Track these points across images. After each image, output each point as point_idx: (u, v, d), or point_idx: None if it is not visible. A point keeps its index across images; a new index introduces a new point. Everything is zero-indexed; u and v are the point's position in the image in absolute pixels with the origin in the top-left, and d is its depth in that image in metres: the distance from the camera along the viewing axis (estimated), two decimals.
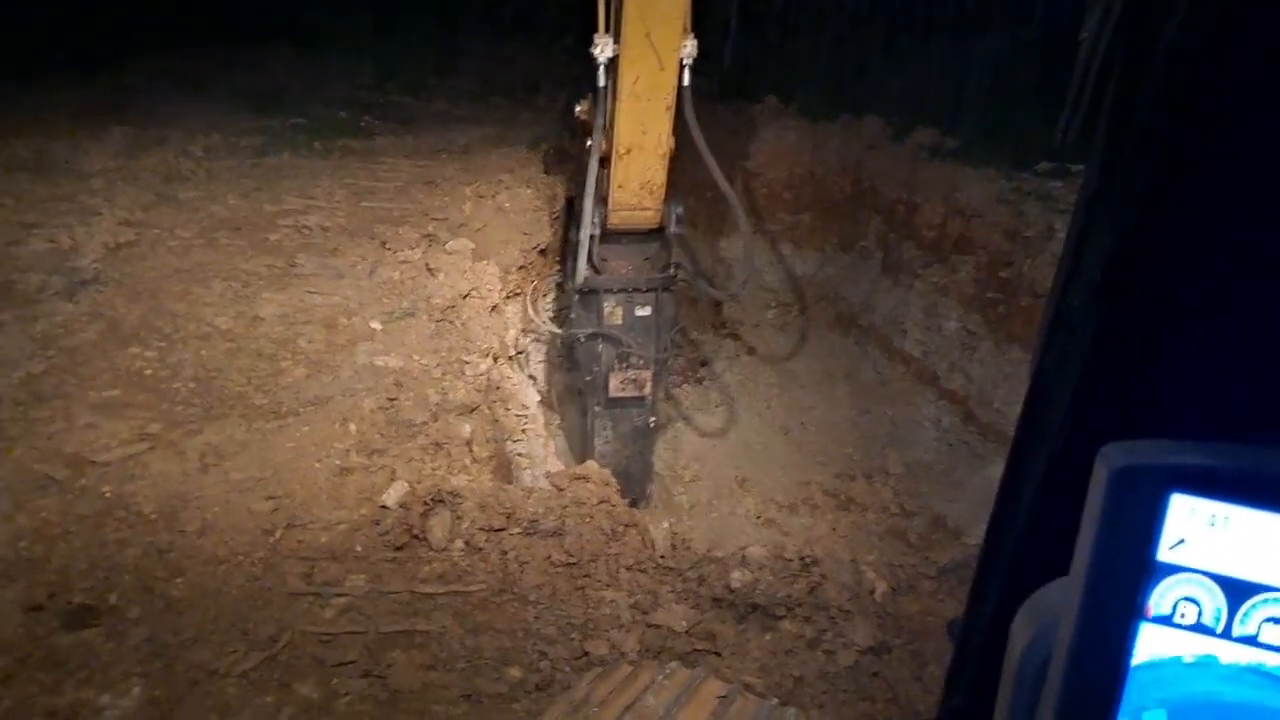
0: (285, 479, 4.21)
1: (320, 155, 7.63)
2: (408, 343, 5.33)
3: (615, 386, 6.18)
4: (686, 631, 3.65)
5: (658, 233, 6.09)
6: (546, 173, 7.79)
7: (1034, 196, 7.12)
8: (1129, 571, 0.70)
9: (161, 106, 8.25)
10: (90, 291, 5.45)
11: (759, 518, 7.30)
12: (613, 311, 6.09)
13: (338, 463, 4.36)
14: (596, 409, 6.31)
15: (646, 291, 6.10)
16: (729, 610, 3.80)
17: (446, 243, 6.32)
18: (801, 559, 4.02)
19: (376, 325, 5.44)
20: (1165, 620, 0.70)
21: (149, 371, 4.85)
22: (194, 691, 3.22)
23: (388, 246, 6.22)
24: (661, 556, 4.01)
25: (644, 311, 6.12)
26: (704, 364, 8.76)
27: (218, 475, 4.20)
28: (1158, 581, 0.70)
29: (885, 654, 3.74)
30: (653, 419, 6.52)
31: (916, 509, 7.27)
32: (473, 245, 6.37)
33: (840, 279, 8.63)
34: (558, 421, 7.27)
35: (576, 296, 6.18)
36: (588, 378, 6.31)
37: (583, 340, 6.21)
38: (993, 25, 8.63)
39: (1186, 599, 0.70)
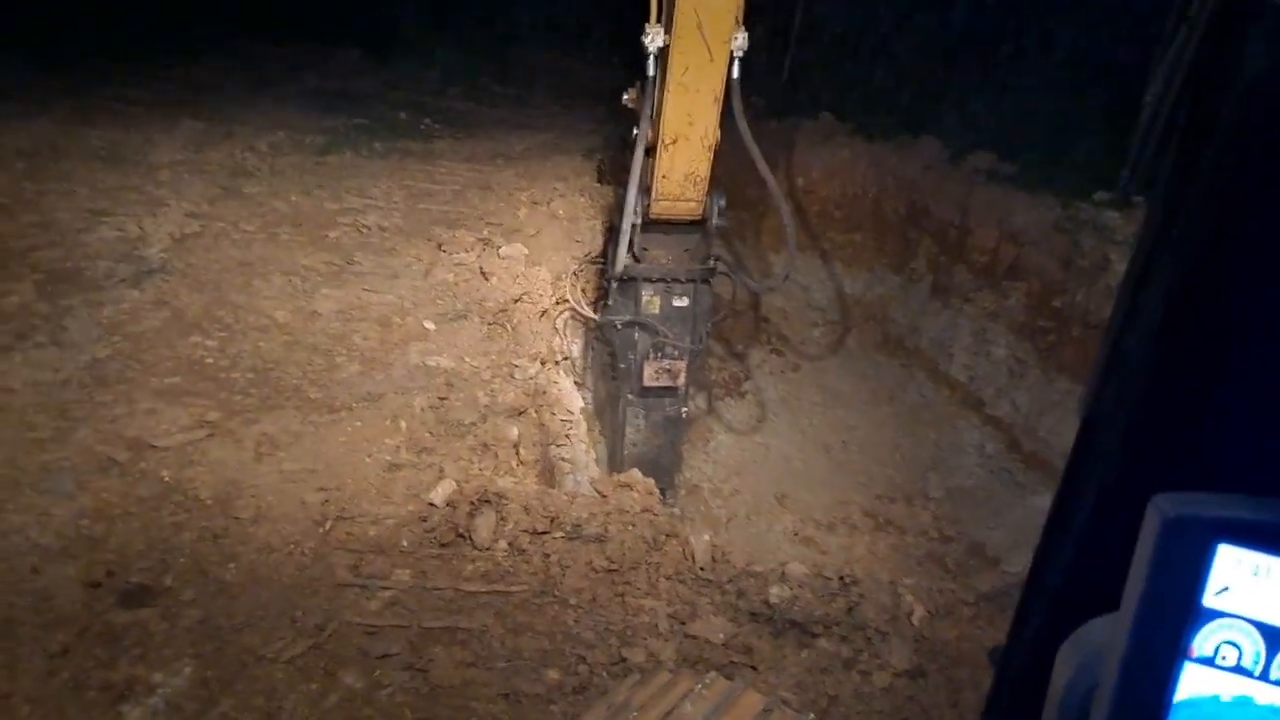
0: (337, 472, 4.31)
1: (381, 156, 7.78)
2: (459, 344, 5.43)
3: (649, 375, 6.22)
4: (724, 644, 3.68)
5: (699, 224, 6.12)
6: (600, 181, 7.89)
7: (1090, 226, 7.07)
8: (1175, 614, 0.75)
9: (230, 103, 8.46)
10: (156, 280, 5.61)
11: (796, 535, 7.30)
12: (650, 300, 6.15)
13: (388, 458, 4.45)
14: (630, 397, 6.37)
15: (685, 282, 6.15)
16: (766, 625, 3.83)
17: (500, 247, 6.42)
18: (840, 578, 4.04)
19: (430, 325, 5.54)
20: (1207, 661, 0.75)
21: (209, 360, 4.99)
22: (242, 675, 3.31)
23: (443, 248, 6.34)
24: (701, 568, 4.04)
25: (681, 302, 6.17)
26: (747, 378, 8.79)
27: (272, 465, 4.31)
28: (1202, 625, 0.74)
29: (920, 678, 3.75)
30: (685, 410, 6.56)
31: (955, 535, 7.24)
32: (526, 250, 6.47)
33: (889, 299, 8.61)
34: (599, 428, 7.33)
35: (615, 284, 6.24)
36: (622, 365, 6.37)
37: (619, 327, 6.28)
38: (1055, 52, 8.59)
39: (1228, 642, 0.75)
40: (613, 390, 6.89)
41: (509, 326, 5.69)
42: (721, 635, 3.70)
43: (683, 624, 3.74)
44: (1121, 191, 7.14)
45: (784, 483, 7.74)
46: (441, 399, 4.91)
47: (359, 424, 4.66)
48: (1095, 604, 0.85)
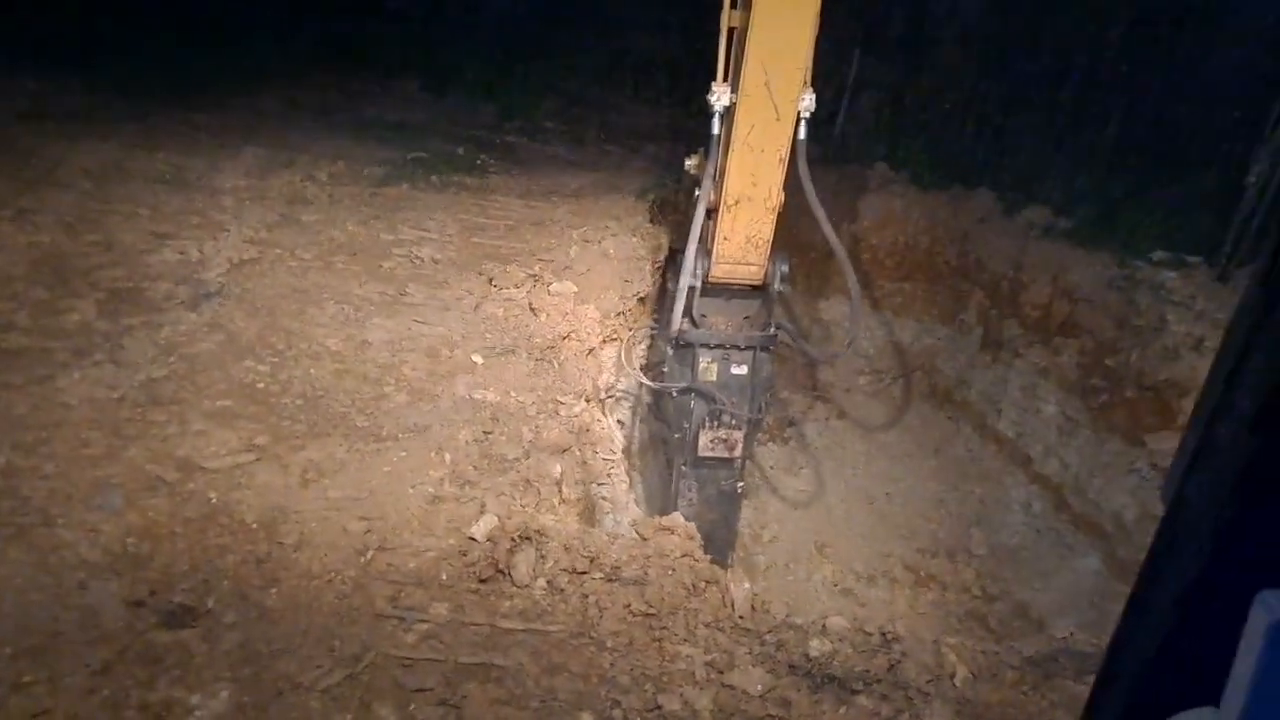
0: (380, 502, 4.33)
1: (437, 189, 7.88)
2: (506, 379, 5.45)
3: (704, 445, 5.99)
4: (761, 695, 3.62)
5: (760, 290, 5.97)
6: (652, 222, 7.92)
7: (1147, 285, 6.98)
8: None
9: (292, 131, 8.65)
10: (213, 304, 5.71)
11: (836, 585, 7.21)
12: (708, 367, 5.93)
13: (431, 490, 4.46)
14: (683, 467, 6.12)
15: (744, 349, 5.94)
16: (805, 679, 3.76)
17: (551, 284, 6.46)
18: (882, 634, 3.97)
19: (478, 359, 5.57)
20: None
21: (261, 385, 5.05)
22: (279, 701, 3.31)
23: (494, 283, 6.39)
24: (741, 617, 3.99)
25: (740, 370, 5.94)
26: (791, 424, 8.73)
27: (317, 492, 4.34)
28: None
29: None
30: (740, 484, 6.29)
31: (998, 594, 7.10)
32: (575, 288, 6.50)
33: (938, 351, 8.55)
34: (639, 468, 7.31)
35: (671, 349, 6.07)
36: (676, 434, 6.14)
37: (674, 394, 6.09)
38: (1114, 109, 8.53)
39: None
40: (657, 432, 6.84)
41: (555, 363, 5.71)
42: (759, 686, 3.64)
43: (720, 673, 3.69)
44: (1221, 270, 6.98)
45: (824, 532, 7.67)
46: (486, 433, 4.93)
47: (404, 454, 4.68)
48: (1179, 695, 0.82)
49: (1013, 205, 8.19)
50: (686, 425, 6.05)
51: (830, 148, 8.75)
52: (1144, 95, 8.32)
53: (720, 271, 5.82)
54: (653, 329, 7.37)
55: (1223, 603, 0.73)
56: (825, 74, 5.48)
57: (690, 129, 9.01)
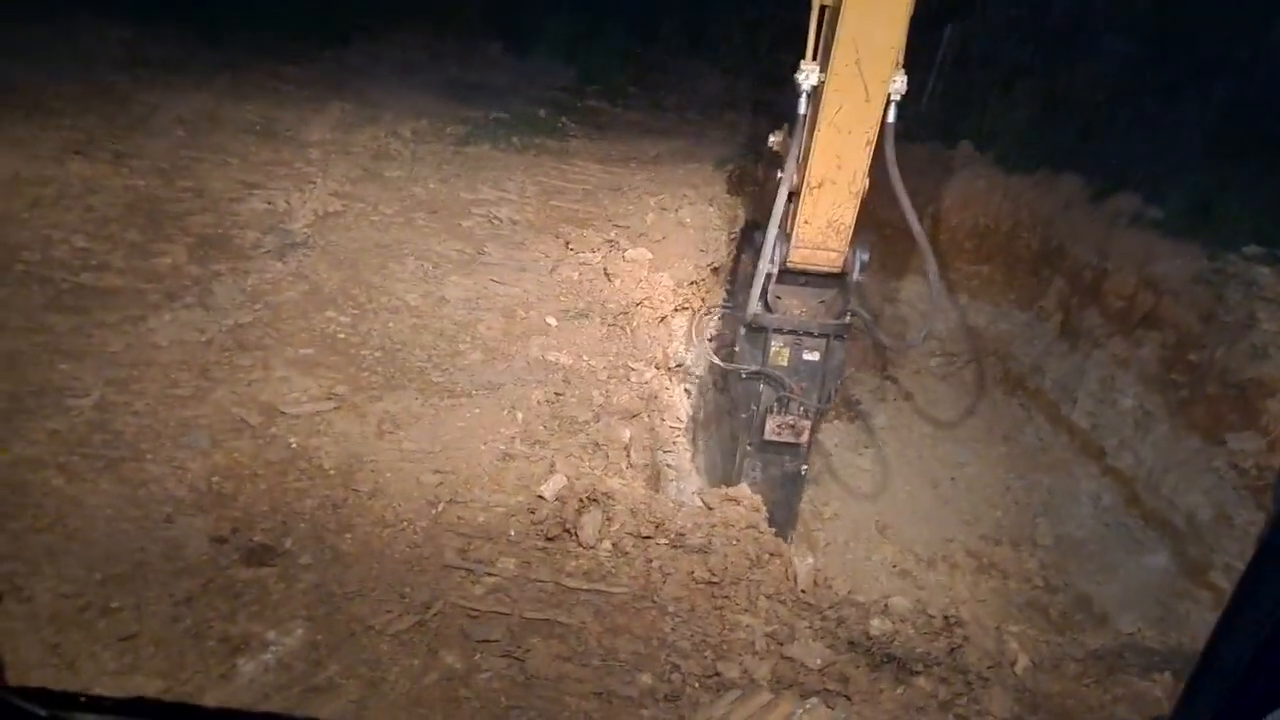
0: (452, 456, 4.42)
1: (517, 151, 7.93)
2: (579, 342, 5.50)
3: (771, 429, 5.90)
4: (820, 670, 3.64)
5: (838, 277, 5.83)
6: (729, 193, 7.88)
7: (1237, 280, 6.76)
8: None
9: (378, 88, 8.76)
10: (298, 254, 5.85)
11: (895, 567, 7.17)
12: (779, 352, 5.83)
13: (502, 448, 4.54)
14: (748, 449, 6.06)
15: (818, 336, 5.82)
16: (864, 656, 3.77)
17: (626, 250, 6.48)
18: (945, 618, 3.95)
19: (552, 321, 5.63)
20: None
21: (341, 336, 5.17)
22: (350, 642, 3.42)
23: (570, 246, 6.43)
24: (803, 591, 4.01)
25: (812, 356, 5.82)
26: (858, 402, 8.67)
27: (392, 442, 4.44)
28: None
29: None
30: (805, 467, 6.22)
31: (1061, 585, 7.00)
32: (650, 255, 6.51)
33: (1013, 337, 8.39)
34: (704, 439, 7.32)
35: (743, 330, 5.97)
36: (744, 415, 6.07)
37: (744, 376, 6.02)
38: (1212, 99, 8.25)
39: None
40: (723, 404, 6.83)
41: (628, 329, 5.74)
42: (819, 660, 3.66)
43: (780, 644, 3.71)
44: None
45: (886, 513, 7.61)
46: (558, 394, 4.99)
47: (477, 411, 4.76)
48: (1275, 694, 0.82)
49: (1101, 191, 7.97)
50: (755, 408, 5.98)
51: (914, 124, 8.58)
52: (1246, 80, 8.02)
53: (799, 256, 5.70)
54: (725, 305, 7.33)
55: None
56: (914, 47, 5.35)
57: (770, 100, 8.93)
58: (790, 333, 5.82)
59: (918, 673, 3.70)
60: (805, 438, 6.00)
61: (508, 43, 10.57)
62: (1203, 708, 0.98)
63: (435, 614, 3.61)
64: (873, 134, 5.22)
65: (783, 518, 6.18)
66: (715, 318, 7.43)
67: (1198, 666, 1.02)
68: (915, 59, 5.10)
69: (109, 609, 3.41)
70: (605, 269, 6.22)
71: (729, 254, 7.38)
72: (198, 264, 5.60)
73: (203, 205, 6.24)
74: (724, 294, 7.48)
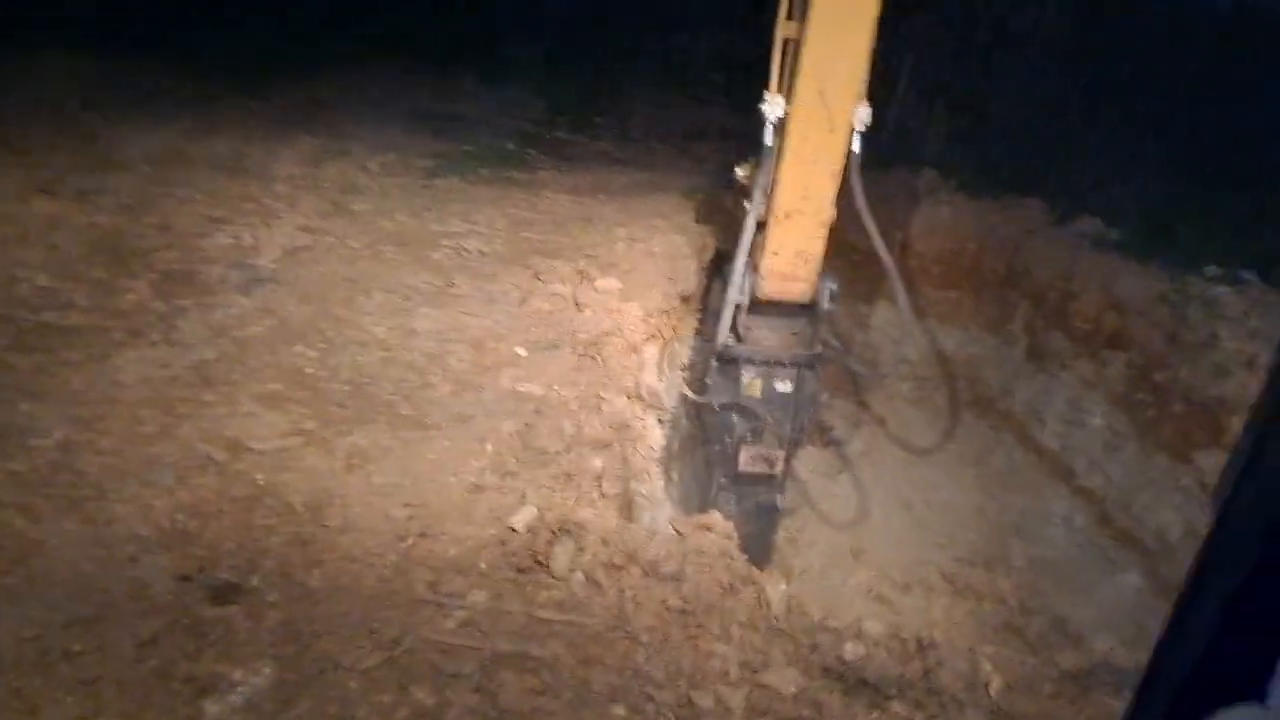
0: (422, 489, 4.39)
1: (486, 183, 7.96)
2: (549, 373, 5.49)
3: (745, 461, 5.94)
4: (794, 696, 3.62)
5: (808, 307, 5.86)
6: (698, 222, 7.92)
7: (1199, 300, 6.86)
8: None
9: (348, 120, 8.78)
10: (265, 289, 5.82)
11: (871, 592, 7.17)
12: (751, 383, 5.86)
13: (472, 480, 4.51)
14: (722, 481, 6.09)
15: (790, 367, 5.86)
16: (838, 682, 3.76)
17: (596, 280, 6.49)
18: (918, 640, 3.95)
19: (522, 352, 5.62)
20: None
21: (309, 370, 5.14)
22: (319, 680, 3.37)
23: (540, 277, 6.44)
24: (776, 618, 4.00)
25: (784, 387, 5.86)
26: (830, 427, 8.70)
27: (361, 477, 4.41)
28: None
29: None
30: (780, 498, 6.25)
31: (1036, 607, 7.02)
32: (620, 285, 6.52)
33: (982, 360, 8.46)
34: (677, 467, 7.31)
35: (715, 362, 5.98)
36: (716, 447, 6.10)
37: (716, 408, 6.03)
38: (1171, 122, 8.41)
39: None
40: (695, 432, 6.83)
41: (599, 359, 5.74)
42: (793, 687, 3.64)
43: (754, 672, 3.70)
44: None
45: (862, 538, 7.63)
46: (528, 425, 4.97)
47: (447, 443, 4.74)
48: (1221, 694, 0.83)
49: (1064, 215, 8.09)
50: (727, 439, 5.99)
51: (879, 152, 8.68)
52: (1203, 105, 8.19)
53: (768, 287, 5.74)
54: (696, 335, 7.36)
55: (1269, 604, 0.74)
56: (878, 76, 5.43)
57: (738, 129, 9.01)
58: (762, 363, 5.84)
59: (892, 696, 3.70)
60: (780, 469, 6.01)
61: (478, 74, 10.64)
62: (1153, 716, 1.00)
63: (405, 649, 3.57)
64: (839, 165, 5.27)
65: (758, 550, 6.16)
66: (687, 348, 7.45)
67: (1147, 669, 1.03)
68: (879, 87, 5.17)
69: (71, 652, 3.34)
70: (575, 299, 6.23)
71: (699, 283, 7.41)
72: (163, 300, 5.56)
73: (168, 241, 6.20)
74: (695, 323, 7.51)
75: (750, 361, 5.86)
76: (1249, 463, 0.92)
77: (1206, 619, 0.94)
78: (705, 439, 6.46)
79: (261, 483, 4.26)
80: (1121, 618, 6.40)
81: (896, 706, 3.70)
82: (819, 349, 5.93)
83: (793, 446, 6.17)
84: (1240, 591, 0.90)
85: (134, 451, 4.34)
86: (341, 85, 9.69)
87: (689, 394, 6.49)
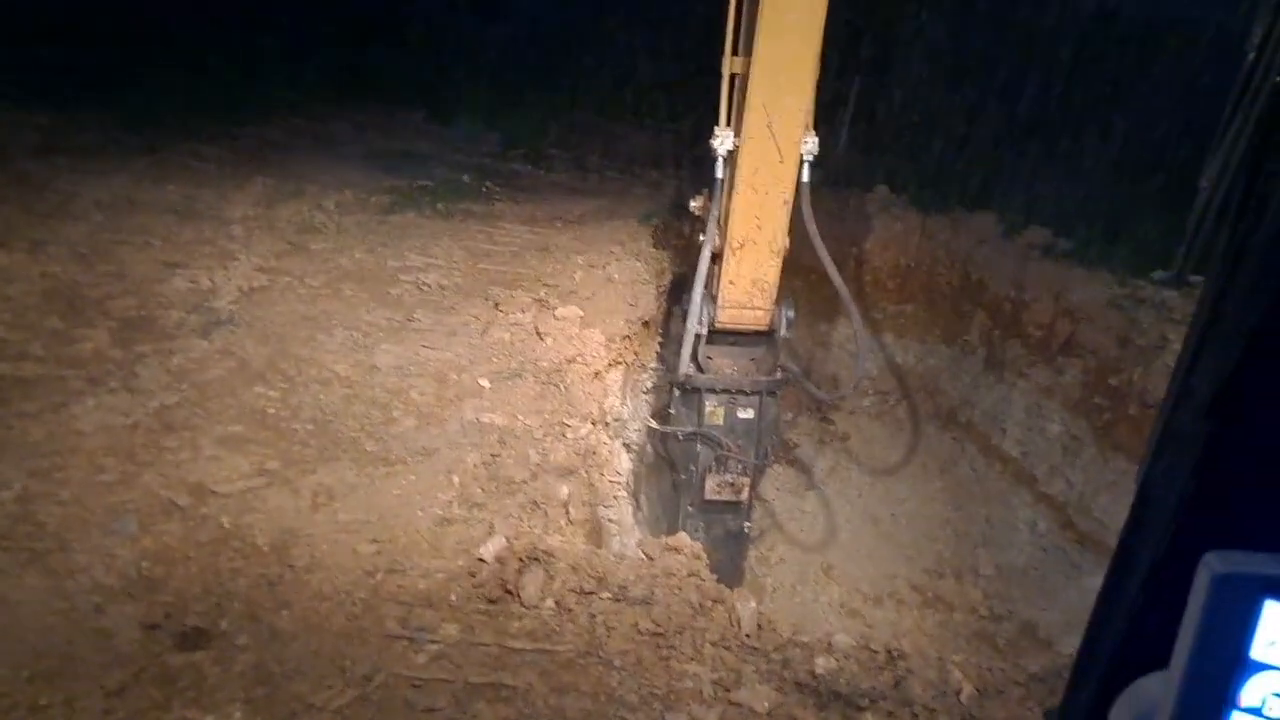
0: (389, 524, 4.38)
1: (443, 217, 7.98)
2: (513, 402, 5.51)
3: (711, 489, 6.01)
4: (768, 713, 3.64)
5: (766, 334, 5.98)
6: (655, 247, 8.00)
7: (1148, 305, 7.03)
8: (1225, 666, 0.79)
9: (300, 161, 8.77)
10: (224, 331, 5.79)
11: (843, 607, 7.22)
12: (714, 411, 5.95)
13: (439, 513, 4.51)
14: (689, 509, 6.15)
15: (750, 394, 5.95)
16: (811, 696, 3.79)
17: (556, 308, 6.52)
18: (888, 651, 4.00)
19: (485, 383, 5.64)
20: (1256, 712, 0.80)
21: (271, 411, 5.12)
22: None
23: (500, 308, 6.46)
24: (747, 635, 4.03)
25: (746, 414, 5.96)
26: (795, 445, 8.77)
27: (328, 515, 4.39)
28: (1250, 676, 0.79)
29: None
30: (748, 524, 6.31)
31: (1006, 613, 7.11)
32: (581, 312, 6.56)
33: (941, 372, 8.58)
34: (644, 492, 7.33)
35: (677, 392, 6.08)
36: (683, 476, 6.17)
37: (680, 438, 6.12)
38: (1114, 134, 8.63)
39: (1275, 694, 0.79)
40: (662, 456, 6.87)
41: (562, 386, 5.76)
42: (766, 704, 3.67)
43: (727, 690, 3.72)
44: (1177, 273, 7.14)
45: (831, 554, 7.68)
46: (494, 455, 4.98)
47: (413, 477, 4.74)
48: (1149, 667, 0.89)
49: (1013, 227, 8.26)
50: (693, 469, 6.07)
51: (833, 172, 8.83)
52: (1135, 111, 8.42)
53: (726, 317, 5.84)
54: (660, 359, 7.42)
55: (1182, 578, 0.80)
56: (829, 97, 5.56)
57: (692, 156, 9.12)
58: (723, 392, 5.94)
59: (864, 708, 3.73)
60: (745, 495, 6.09)
61: (429, 111, 10.68)
62: (1085, 692, 1.04)
63: (378, 686, 3.55)
64: (789, 193, 5.38)
65: (728, 576, 6.21)
66: (650, 373, 7.50)
67: (1080, 649, 1.09)
68: (829, 109, 5.29)
69: (38, 706, 3.30)
70: (536, 328, 6.26)
71: (659, 307, 7.48)
72: (120, 347, 5.51)
73: (124, 288, 6.16)
74: (658, 348, 7.57)
75: (712, 391, 5.95)
76: (1162, 440, 0.98)
77: (1130, 595, 1.00)
78: (671, 467, 6.51)
79: (227, 526, 4.23)
80: (1088, 620, 6.49)
81: (869, 718, 3.73)
82: (779, 375, 6.02)
83: (757, 473, 6.25)
84: (1159, 566, 0.95)
85: (95, 500, 4.29)
86: (292, 128, 9.70)
87: (654, 425, 6.55)
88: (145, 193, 7.61)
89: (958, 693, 3.92)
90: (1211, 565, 0.79)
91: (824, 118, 5.38)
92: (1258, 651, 0.78)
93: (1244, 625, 0.78)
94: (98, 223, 7.01)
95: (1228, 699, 0.79)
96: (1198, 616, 0.79)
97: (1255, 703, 0.79)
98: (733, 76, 5.38)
